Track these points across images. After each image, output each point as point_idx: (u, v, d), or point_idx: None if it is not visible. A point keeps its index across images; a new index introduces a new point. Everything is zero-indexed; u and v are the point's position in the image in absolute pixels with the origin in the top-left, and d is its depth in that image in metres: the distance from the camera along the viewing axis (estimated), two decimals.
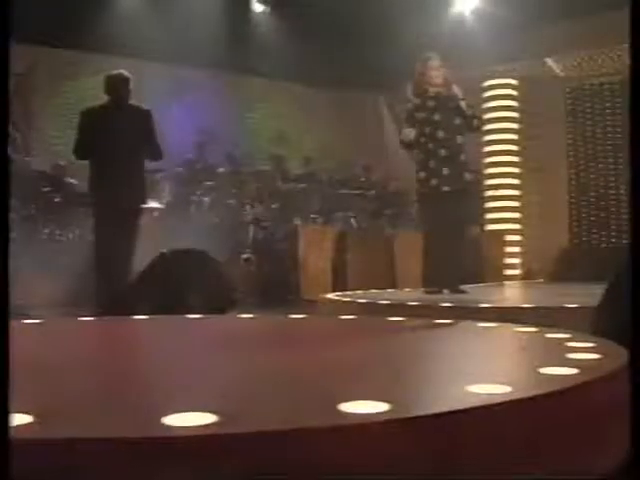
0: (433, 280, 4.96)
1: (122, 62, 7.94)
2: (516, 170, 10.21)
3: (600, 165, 10.52)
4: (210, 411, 0.86)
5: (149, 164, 5.58)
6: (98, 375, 1.34)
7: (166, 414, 0.85)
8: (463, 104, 5.05)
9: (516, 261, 10.02)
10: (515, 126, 10.22)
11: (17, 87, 9.22)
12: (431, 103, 5.07)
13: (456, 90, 5.05)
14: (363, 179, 10.61)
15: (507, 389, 0.97)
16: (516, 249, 9.98)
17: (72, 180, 8.21)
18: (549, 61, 10.21)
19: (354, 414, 0.85)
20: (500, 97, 10.16)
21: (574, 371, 1.10)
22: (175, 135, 10.17)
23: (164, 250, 4.26)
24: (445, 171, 4.95)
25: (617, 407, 1.08)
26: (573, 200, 10.68)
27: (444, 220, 4.91)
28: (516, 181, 10.20)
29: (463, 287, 4.99)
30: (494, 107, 10.15)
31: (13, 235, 5.85)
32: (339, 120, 12.13)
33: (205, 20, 10.23)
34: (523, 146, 10.25)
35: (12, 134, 8.15)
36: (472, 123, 5.13)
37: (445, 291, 4.92)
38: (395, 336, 2.01)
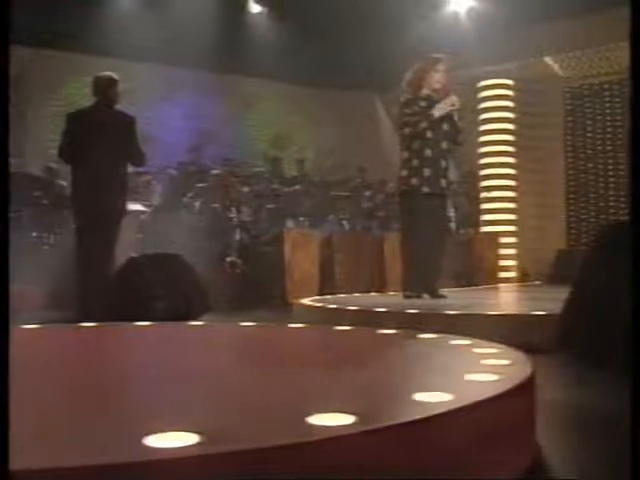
0: (412, 284, 4.85)
1: (118, 63, 7.92)
2: (512, 171, 10.05)
3: (599, 166, 10.38)
4: None
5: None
6: None
7: None
8: (456, 116, 4.98)
9: (512, 263, 9.87)
10: (511, 127, 10.07)
11: (11, 89, 9.19)
12: (423, 103, 4.98)
13: (454, 100, 4.96)
14: (359, 180, 10.52)
15: (350, 420, 0.88)
16: (512, 251, 9.82)
17: (64, 182, 8.16)
18: (548, 60, 10.07)
19: (157, 449, 0.77)
20: (496, 97, 10.01)
21: (447, 398, 1.01)
22: (169, 137, 10.16)
23: (133, 254, 4.20)
24: (427, 172, 4.86)
25: (486, 439, 0.99)
26: (571, 201, 10.55)
27: (423, 222, 4.80)
28: (512, 182, 10.05)
29: (442, 291, 4.89)
30: (489, 107, 10.01)
31: None
32: (336, 121, 12.04)
33: (201, 21, 10.19)
34: (520, 147, 10.11)
35: None
36: (457, 137, 5.06)
37: (425, 295, 4.82)
38: (303, 351, 1.92)
